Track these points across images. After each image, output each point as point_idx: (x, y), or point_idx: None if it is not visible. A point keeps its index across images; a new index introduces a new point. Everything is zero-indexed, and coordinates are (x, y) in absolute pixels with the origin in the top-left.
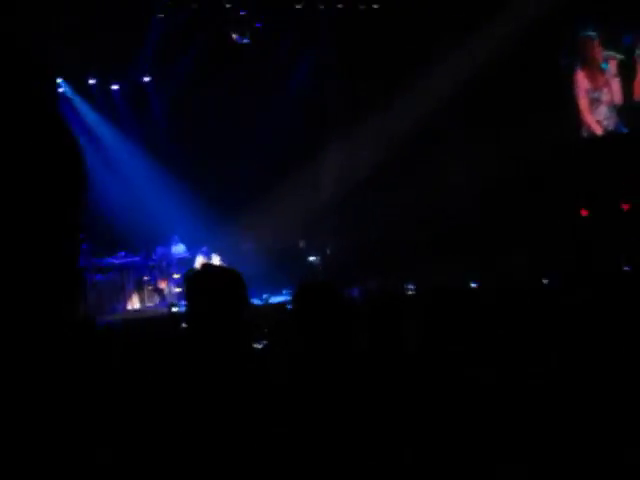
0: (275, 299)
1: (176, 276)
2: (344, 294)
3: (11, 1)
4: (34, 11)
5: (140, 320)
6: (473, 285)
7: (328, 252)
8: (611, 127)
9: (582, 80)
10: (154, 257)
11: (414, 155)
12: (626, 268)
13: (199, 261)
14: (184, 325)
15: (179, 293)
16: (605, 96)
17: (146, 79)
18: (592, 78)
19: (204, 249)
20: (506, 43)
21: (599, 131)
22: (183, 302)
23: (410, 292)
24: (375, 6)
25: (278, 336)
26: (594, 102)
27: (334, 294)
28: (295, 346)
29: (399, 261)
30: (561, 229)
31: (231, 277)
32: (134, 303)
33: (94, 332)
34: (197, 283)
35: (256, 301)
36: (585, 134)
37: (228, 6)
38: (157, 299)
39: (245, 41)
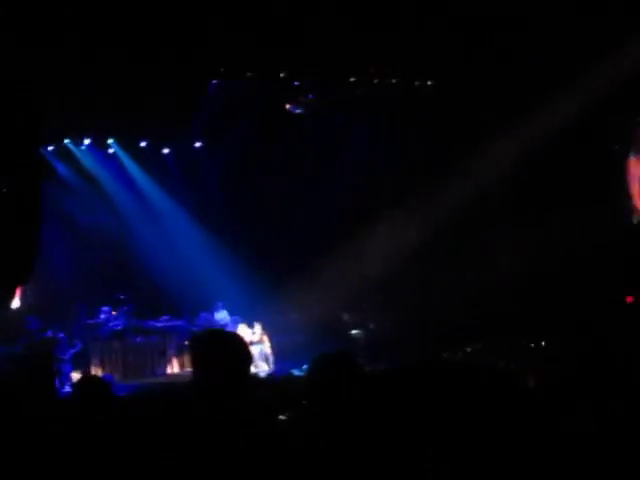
0: None
1: None
2: (361, 365)
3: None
4: (86, 68)
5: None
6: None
7: (371, 327)
8: None
9: (635, 167)
10: (197, 322)
11: (461, 235)
12: None
13: (241, 329)
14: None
15: None
16: None
17: (198, 144)
18: None
19: (236, 318)
20: (557, 126)
21: None
22: None
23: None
24: (429, 82)
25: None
26: None
27: (350, 364)
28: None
29: (439, 339)
30: (603, 315)
31: (234, 343)
32: (174, 367)
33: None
34: (202, 349)
35: (296, 372)
36: (636, 220)
37: (282, 75)
38: None
39: (298, 111)
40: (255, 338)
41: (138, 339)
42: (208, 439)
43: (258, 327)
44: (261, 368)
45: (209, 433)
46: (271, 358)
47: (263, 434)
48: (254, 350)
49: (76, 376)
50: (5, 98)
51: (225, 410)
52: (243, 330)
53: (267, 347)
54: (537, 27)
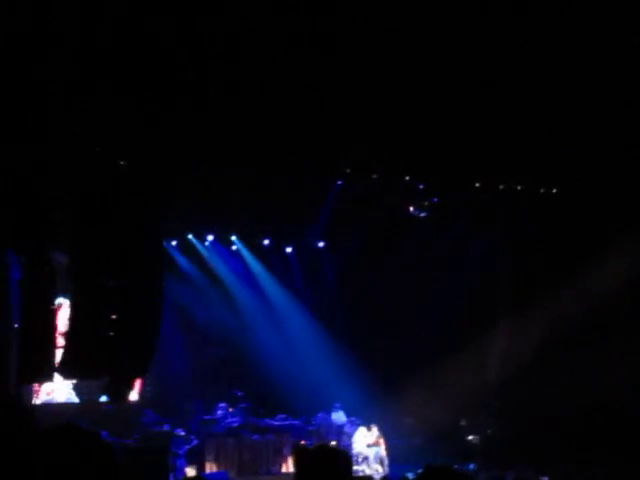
0: None
1: (333, 443)
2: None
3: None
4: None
5: None
6: None
7: (489, 432)
8: None
9: None
10: (314, 422)
11: (580, 343)
12: None
13: (360, 432)
14: None
15: None
16: None
17: (321, 244)
18: None
19: (353, 419)
20: None
21: None
22: None
23: None
24: (554, 190)
25: None
26: None
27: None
28: None
29: (550, 451)
30: None
31: (339, 461)
32: (289, 466)
33: None
34: (305, 461)
35: (410, 475)
36: None
37: (407, 179)
38: None
39: (422, 215)
40: (371, 440)
41: (254, 437)
42: None
43: (375, 429)
44: (376, 471)
45: None
46: (386, 461)
47: None
48: (370, 452)
49: (190, 471)
50: (131, 191)
51: None
52: (361, 432)
53: (382, 450)
54: None
